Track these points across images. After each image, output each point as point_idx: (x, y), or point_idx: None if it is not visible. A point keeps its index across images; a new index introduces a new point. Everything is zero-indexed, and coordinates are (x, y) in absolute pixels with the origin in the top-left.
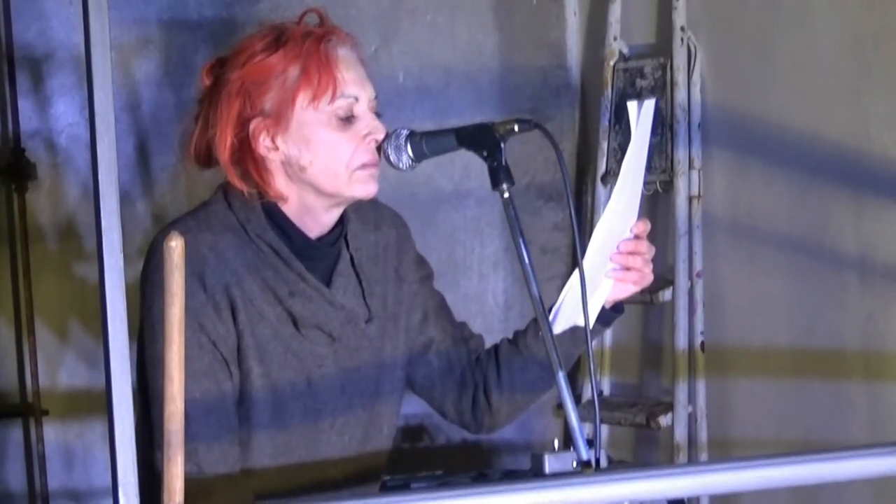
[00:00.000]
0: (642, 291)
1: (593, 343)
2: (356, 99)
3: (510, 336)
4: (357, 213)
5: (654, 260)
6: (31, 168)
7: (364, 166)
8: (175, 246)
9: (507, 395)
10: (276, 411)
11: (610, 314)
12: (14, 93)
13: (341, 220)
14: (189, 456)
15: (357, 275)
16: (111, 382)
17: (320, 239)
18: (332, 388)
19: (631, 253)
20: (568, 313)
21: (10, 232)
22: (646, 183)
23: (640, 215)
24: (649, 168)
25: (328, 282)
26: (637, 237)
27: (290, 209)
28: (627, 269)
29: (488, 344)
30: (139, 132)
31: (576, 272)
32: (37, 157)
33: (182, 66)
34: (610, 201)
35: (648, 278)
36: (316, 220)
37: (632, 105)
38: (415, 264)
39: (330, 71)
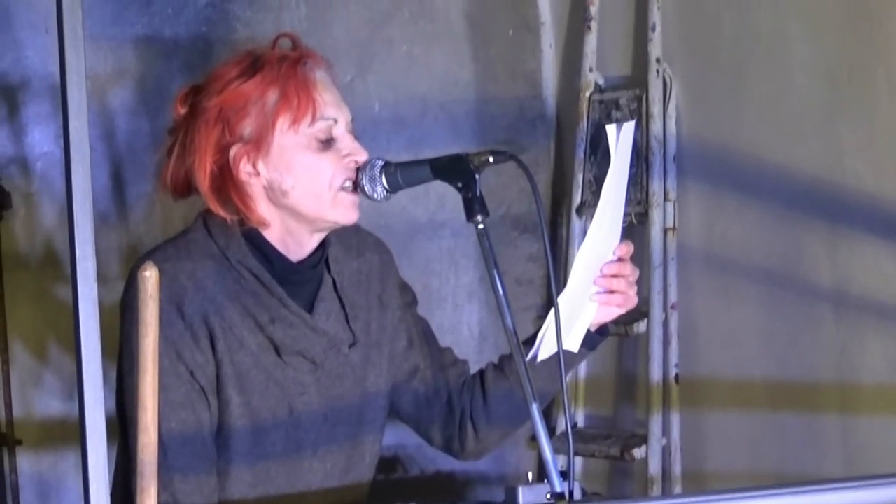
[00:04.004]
0: (617, 322)
1: (574, 368)
2: (335, 121)
3: (495, 361)
4: (339, 239)
5: (638, 282)
6: (6, 197)
7: (346, 183)
8: (149, 276)
9: (494, 420)
10: (256, 440)
11: (595, 337)
12: None
13: (322, 245)
14: (165, 486)
15: (340, 299)
16: (84, 412)
17: (301, 263)
18: (314, 415)
19: (614, 275)
20: (552, 342)
21: None
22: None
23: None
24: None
25: (310, 308)
26: (620, 259)
27: (271, 234)
28: (611, 291)
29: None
30: (115, 161)
31: (559, 300)
32: (12, 186)
33: (158, 95)
34: (591, 225)
35: (633, 300)
36: (298, 244)
37: (610, 128)
38: (398, 290)
39: (309, 93)
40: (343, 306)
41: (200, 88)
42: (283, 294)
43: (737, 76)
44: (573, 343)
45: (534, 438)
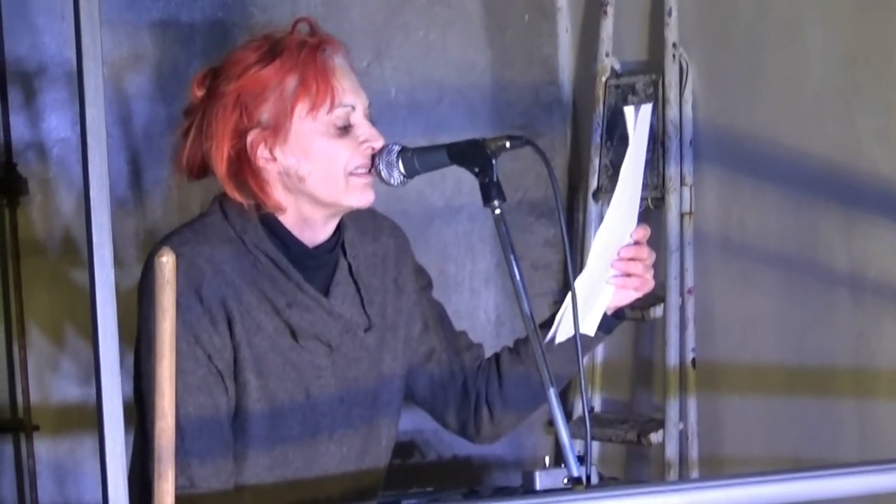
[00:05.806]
0: (634, 307)
1: (591, 353)
2: (353, 108)
3: (511, 345)
4: (355, 223)
5: (654, 265)
6: (23, 183)
7: (360, 169)
8: (166, 262)
9: (509, 403)
10: (274, 423)
11: (612, 321)
12: (6, 108)
13: (338, 229)
14: (182, 470)
15: (356, 283)
16: (102, 397)
17: (317, 247)
18: (330, 399)
19: (631, 259)
20: (569, 324)
21: (1, 247)
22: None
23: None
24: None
25: (326, 291)
26: (637, 243)
27: (287, 219)
28: (628, 275)
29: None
30: (131, 146)
31: (576, 284)
32: (28, 172)
33: (174, 80)
34: (609, 208)
35: (650, 284)
36: (313, 229)
37: (628, 110)
38: (414, 274)
39: (327, 80)
40: (359, 290)
41: (218, 72)
42: (300, 278)
43: (753, 60)
44: (590, 327)
45: (551, 423)
